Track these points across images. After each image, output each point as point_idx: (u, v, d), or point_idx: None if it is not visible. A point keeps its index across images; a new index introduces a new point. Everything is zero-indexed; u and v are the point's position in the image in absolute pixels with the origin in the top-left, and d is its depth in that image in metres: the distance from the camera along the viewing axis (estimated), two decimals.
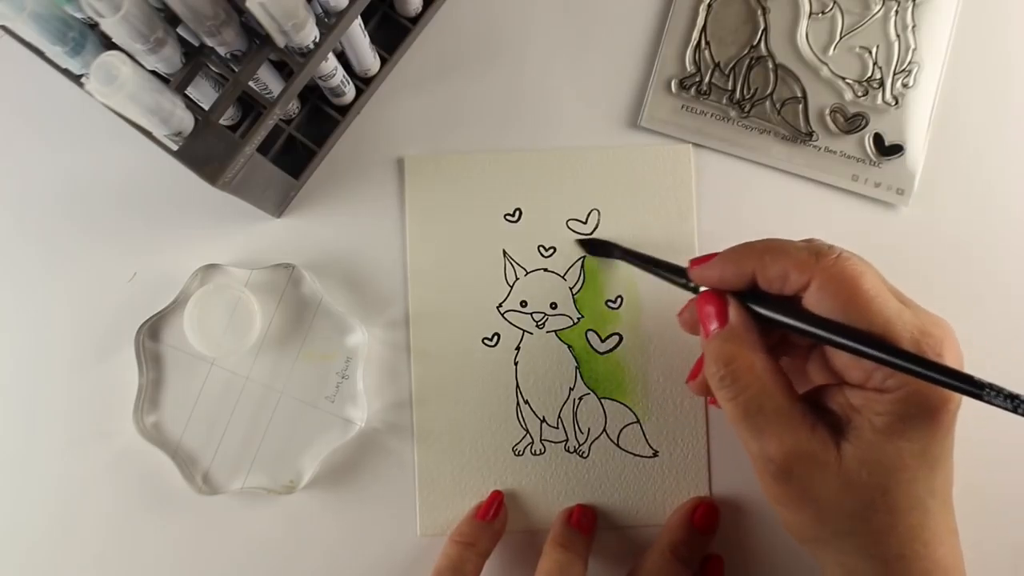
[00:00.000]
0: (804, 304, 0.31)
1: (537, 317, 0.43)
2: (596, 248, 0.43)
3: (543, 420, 0.43)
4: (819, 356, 0.34)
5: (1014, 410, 0.26)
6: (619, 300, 0.43)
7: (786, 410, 0.31)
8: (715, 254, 0.34)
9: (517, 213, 0.44)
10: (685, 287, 0.36)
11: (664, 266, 0.38)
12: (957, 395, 0.29)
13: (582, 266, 0.43)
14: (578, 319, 0.43)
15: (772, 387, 0.31)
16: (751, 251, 0.32)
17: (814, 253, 0.31)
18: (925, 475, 0.30)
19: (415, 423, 0.42)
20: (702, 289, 0.34)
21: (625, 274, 0.43)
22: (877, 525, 0.30)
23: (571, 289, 0.43)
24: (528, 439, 0.43)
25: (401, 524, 0.42)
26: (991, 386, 0.26)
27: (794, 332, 0.31)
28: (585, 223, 0.43)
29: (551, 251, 0.43)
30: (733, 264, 0.33)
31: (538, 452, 0.42)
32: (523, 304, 0.43)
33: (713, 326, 0.33)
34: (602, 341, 0.43)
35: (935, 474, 0.30)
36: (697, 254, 0.43)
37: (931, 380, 0.27)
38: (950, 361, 0.29)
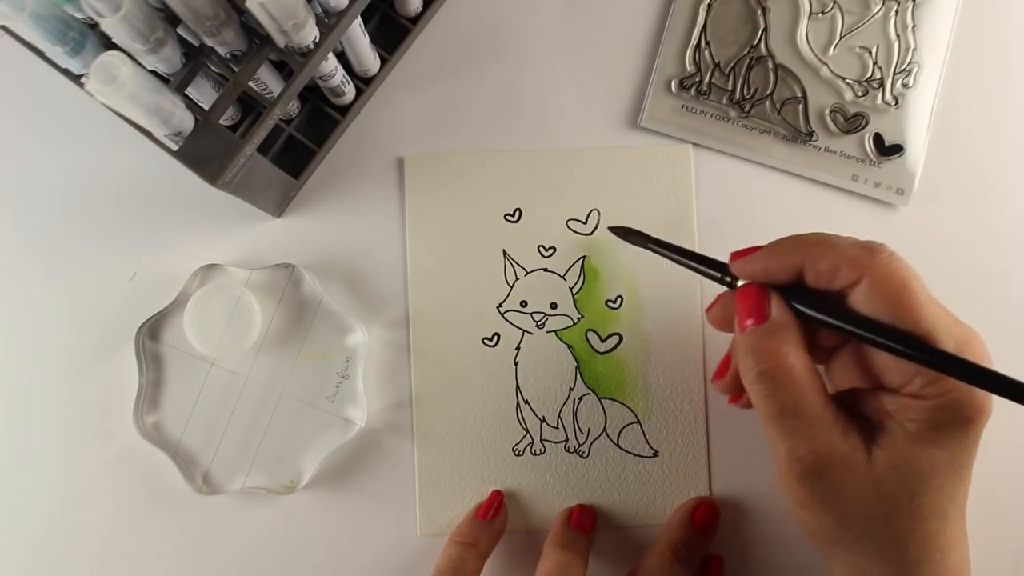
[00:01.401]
0: (851, 302, 0.30)
1: (537, 317, 0.43)
2: (628, 236, 0.41)
3: (543, 420, 0.43)
4: (851, 356, 0.34)
5: None
6: (619, 300, 0.43)
7: (820, 412, 0.30)
8: (759, 247, 0.33)
9: (517, 213, 0.44)
10: (720, 281, 0.35)
11: (700, 259, 0.36)
12: (989, 406, 0.29)
13: (582, 266, 0.43)
14: (578, 319, 0.43)
15: (808, 389, 0.30)
16: (800, 244, 0.32)
17: (867, 249, 0.30)
18: (951, 483, 0.30)
19: (415, 423, 0.42)
20: (739, 284, 0.33)
21: (625, 274, 0.43)
22: (898, 530, 0.30)
23: (571, 289, 0.43)
24: (528, 439, 0.43)
25: (401, 524, 0.42)
26: None
27: (837, 331, 0.31)
28: (585, 223, 0.43)
29: (551, 251, 0.43)
30: (780, 257, 0.32)
31: (538, 452, 0.42)
32: (523, 304, 0.43)
33: (750, 321, 0.32)
34: (602, 341, 0.43)
35: (959, 482, 0.30)
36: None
37: (981, 385, 0.27)
38: None
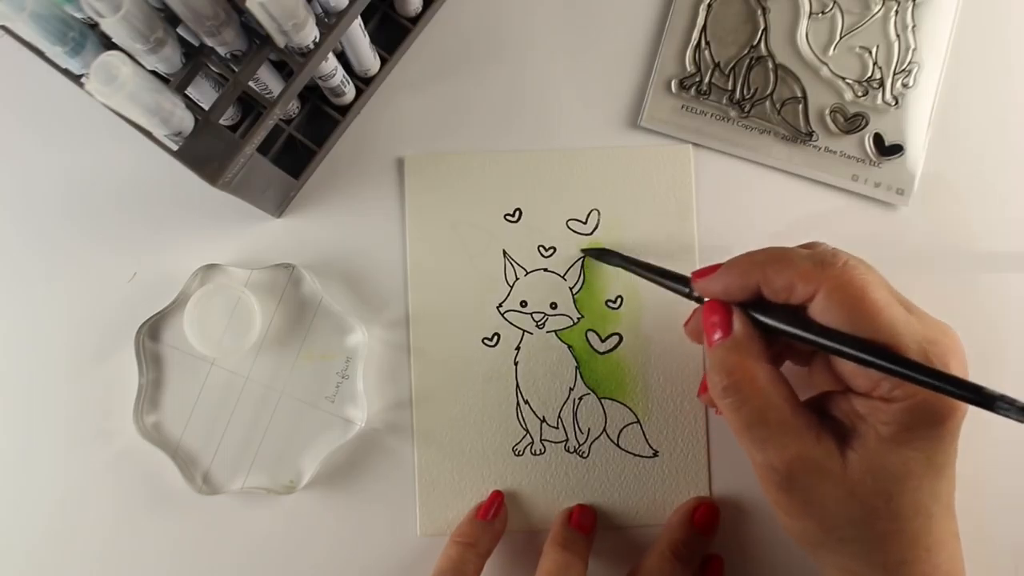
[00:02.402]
0: (810, 314, 0.30)
1: (537, 317, 0.43)
2: (598, 255, 0.43)
3: (543, 420, 0.43)
4: (823, 362, 0.34)
5: None
6: (619, 300, 0.43)
7: (789, 420, 0.30)
8: (718, 265, 0.33)
9: (517, 213, 0.44)
10: (688, 296, 0.36)
11: (667, 275, 0.37)
12: (964, 404, 0.29)
13: (582, 266, 0.43)
14: (578, 319, 0.43)
15: (775, 398, 0.31)
16: (754, 262, 0.32)
17: (819, 263, 0.30)
18: (930, 482, 0.30)
19: (415, 423, 0.42)
20: (706, 299, 0.34)
21: (625, 274, 0.43)
22: (880, 531, 0.30)
23: (571, 289, 0.43)
24: (528, 439, 0.43)
25: (401, 524, 0.42)
26: (1003, 398, 0.26)
27: (799, 342, 0.31)
28: (585, 223, 0.43)
29: (551, 251, 0.43)
30: (737, 276, 0.32)
31: (538, 452, 0.42)
32: (523, 304, 0.43)
33: (716, 336, 0.32)
34: (602, 341, 0.43)
35: (939, 481, 0.30)
36: (697, 254, 0.43)
37: (940, 391, 0.27)
38: (955, 370, 0.28)
